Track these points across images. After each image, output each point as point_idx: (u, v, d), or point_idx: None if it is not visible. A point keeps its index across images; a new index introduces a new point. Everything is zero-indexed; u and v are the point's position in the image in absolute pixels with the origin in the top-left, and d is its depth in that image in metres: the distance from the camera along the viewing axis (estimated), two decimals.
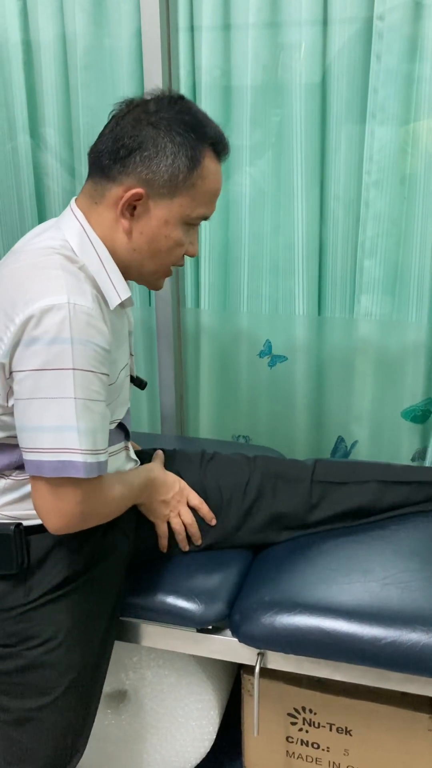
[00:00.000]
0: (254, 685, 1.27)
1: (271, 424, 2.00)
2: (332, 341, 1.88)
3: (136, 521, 1.33)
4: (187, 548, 1.37)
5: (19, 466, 1.13)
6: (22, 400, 1.03)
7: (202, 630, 1.29)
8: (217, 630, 1.29)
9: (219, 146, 1.15)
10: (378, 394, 1.88)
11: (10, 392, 1.06)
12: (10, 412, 1.07)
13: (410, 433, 1.89)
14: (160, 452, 1.44)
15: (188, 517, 1.36)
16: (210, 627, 1.28)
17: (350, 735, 1.35)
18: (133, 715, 1.47)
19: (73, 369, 1.00)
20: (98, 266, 1.12)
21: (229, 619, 1.28)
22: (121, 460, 1.31)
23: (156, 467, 1.36)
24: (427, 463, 1.88)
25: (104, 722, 1.47)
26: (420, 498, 1.45)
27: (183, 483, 1.37)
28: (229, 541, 1.41)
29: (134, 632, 1.32)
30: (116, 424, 1.26)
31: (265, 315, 1.90)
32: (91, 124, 1.86)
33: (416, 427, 1.88)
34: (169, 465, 1.41)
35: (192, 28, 1.74)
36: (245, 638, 1.24)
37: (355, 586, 1.26)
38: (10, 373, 1.04)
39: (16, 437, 1.09)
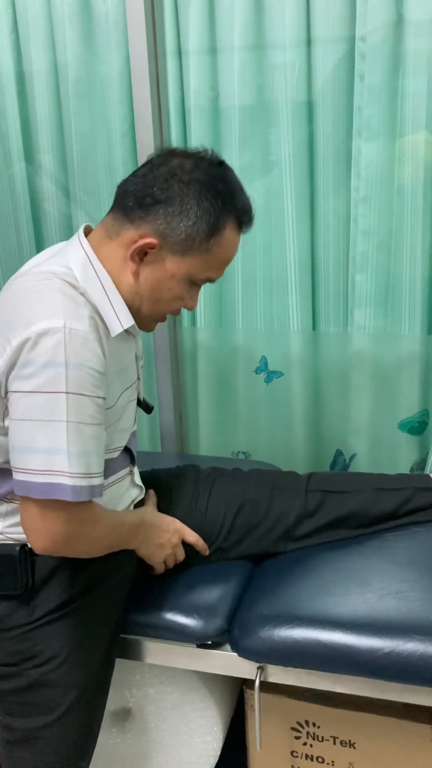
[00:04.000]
0: (255, 698, 1.28)
1: (269, 439, 2.01)
2: (327, 356, 1.89)
3: None
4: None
5: None
6: (15, 421, 1.04)
7: (202, 645, 1.29)
8: (217, 645, 1.29)
9: (244, 218, 1.17)
10: (375, 406, 1.89)
11: (6, 412, 1.07)
12: (7, 434, 1.08)
13: (408, 445, 1.90)
14: (151, 493, 1.41)
15: (182, 556, 1.35)
16: (210, 642, 1.29)
17: (354, 748, 1.35)
18: (137, 733, 1.47)
19: (66, 393, 1.01)
20: (101, 294, 1.12)
21: (228, 633, 1.29)
22: (126, 485, 1.32)
23: (149, 510, 1.34)
24: None
25: (109, 740, 1.48)
26: (415, 506, 1.46)
27: (177, 523, 1.34)
28: (229, 555, 1.42)
29: (136, 649, 1.33)
30: (119, 451, 1.25)
31: (260, 331, 1.93)
32: (85, 150, 1.90)
33: (413, 438, 1.89)
34: (164, 495, 1.42)
35: (180, 53, 1.78)
36: (244, 652, 1.25)
37: (352, 597, 1.26)
38: (6, 393, 1.05)
39: None
